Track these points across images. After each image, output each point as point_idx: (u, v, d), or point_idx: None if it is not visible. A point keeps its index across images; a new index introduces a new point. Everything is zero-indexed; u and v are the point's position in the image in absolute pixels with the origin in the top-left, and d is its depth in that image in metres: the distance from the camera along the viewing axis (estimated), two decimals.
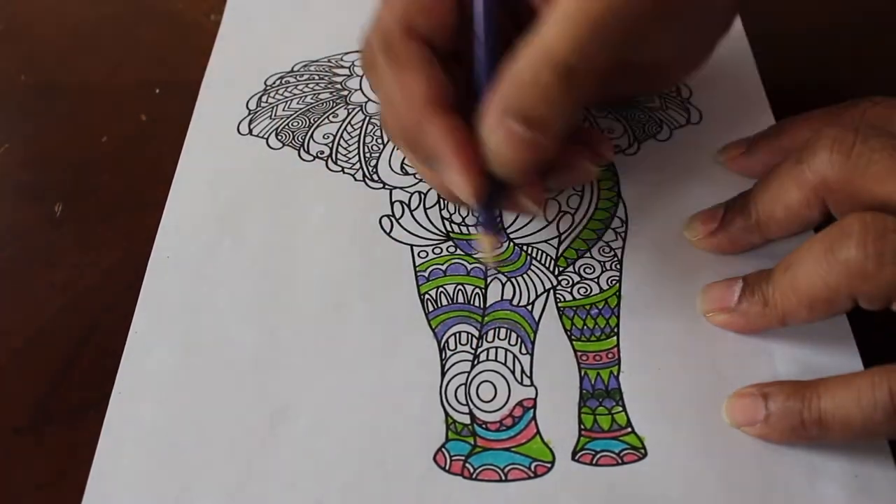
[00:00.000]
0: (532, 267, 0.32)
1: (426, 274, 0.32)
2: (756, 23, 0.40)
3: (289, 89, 0.39)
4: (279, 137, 0.37)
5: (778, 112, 0.36)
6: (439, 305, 0.31)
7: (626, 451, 0.27)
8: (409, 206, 0.34)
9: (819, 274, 0.25)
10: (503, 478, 0.27)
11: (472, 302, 0.31)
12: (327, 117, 0.38)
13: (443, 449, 0.28)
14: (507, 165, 0.27)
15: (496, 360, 0.30)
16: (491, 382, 0.29)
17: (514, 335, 0.30)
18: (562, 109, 0.26)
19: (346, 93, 0.39)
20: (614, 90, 0.34)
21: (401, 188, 0.35)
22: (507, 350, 0.30)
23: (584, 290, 0.31)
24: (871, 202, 0.26)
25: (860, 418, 0.24)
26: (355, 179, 0.36)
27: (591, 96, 0.27)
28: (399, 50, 0.28)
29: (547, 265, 0.32)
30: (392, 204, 0.35)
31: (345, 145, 0.37)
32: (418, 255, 0.33)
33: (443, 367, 0.30)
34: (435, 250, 0.33)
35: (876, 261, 0.24)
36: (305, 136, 0.37)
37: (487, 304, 0.31)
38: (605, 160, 0.31)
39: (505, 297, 0.31)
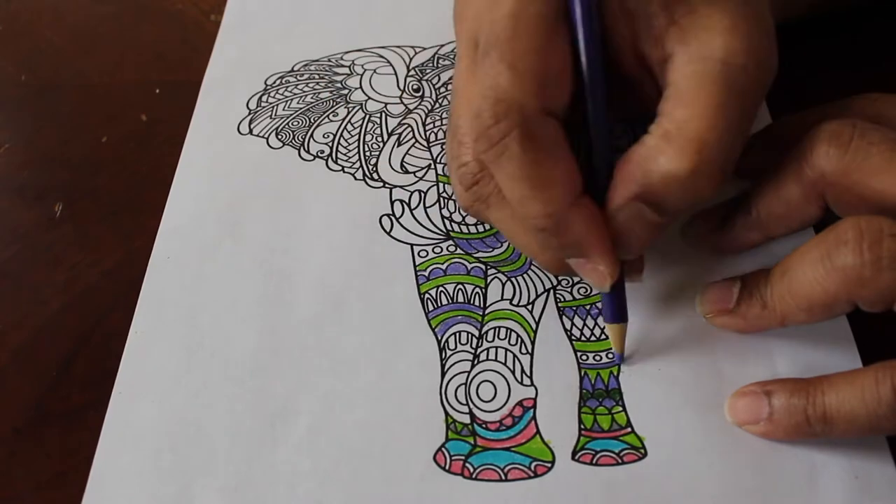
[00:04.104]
0: (532, 267, 0.32)
1: (426, 273, 0.32)
2: None
3: (289, 89, 0.39)
4: (279, 137, 0.37)
5: (775, 111, 0.36)
6: (439, 305, 0.31)
7: (625, 451, 0.27)
8: (409, 205, 0.34)
9: (817, 280, 0.25)
10: (503, 477, 0.27)
11: (472, 301, 0.31)
12: (327, 116, 0.38)
13: (443, 448, 0.28)
14: (633, 248, 0.28)
15: (496, 360, 0.30)
16: (491, 382, 0.29)
17: (514, 335, 0.30)
18: (700, 202, 0.27)
19: (346, 92, 0.39)
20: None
21: (401, 187, 0.35)
22: (507, 350, 0.30)
23: (584, 289, 0.31)
24: (868, 195, 0.26)
25: (865, 413, 0.24)
26: (355, 178, 0.36)
27: None
28: (540, 135, 0.25)
29: None
30: (392, 203, 0.35)
31: (345, 144, 0.37)
32: (418, 254, 0.33)
33: (443, 366, 0.30)
34: (435, 249, 0.33)
35: (873, 267, 0.24)
36: (305, 135, 0.37)
37: (487, 304, 0.31)
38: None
39: (505, 297, 0.31)
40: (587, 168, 0.27)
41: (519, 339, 0.30)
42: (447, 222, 0.34)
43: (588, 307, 0.31)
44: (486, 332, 0.31)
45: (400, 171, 0.36)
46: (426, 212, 0.34)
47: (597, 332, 0.30)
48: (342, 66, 0.40)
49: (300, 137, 0.37)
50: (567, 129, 0.27)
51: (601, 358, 0.30)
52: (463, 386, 0.29)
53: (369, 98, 0.38)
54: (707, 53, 0.26)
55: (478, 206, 0.29)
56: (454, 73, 0.28)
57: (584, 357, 0.30)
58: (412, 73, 0.39)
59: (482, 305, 0.31)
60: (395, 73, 0.39)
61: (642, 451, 0.27)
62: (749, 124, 0.27)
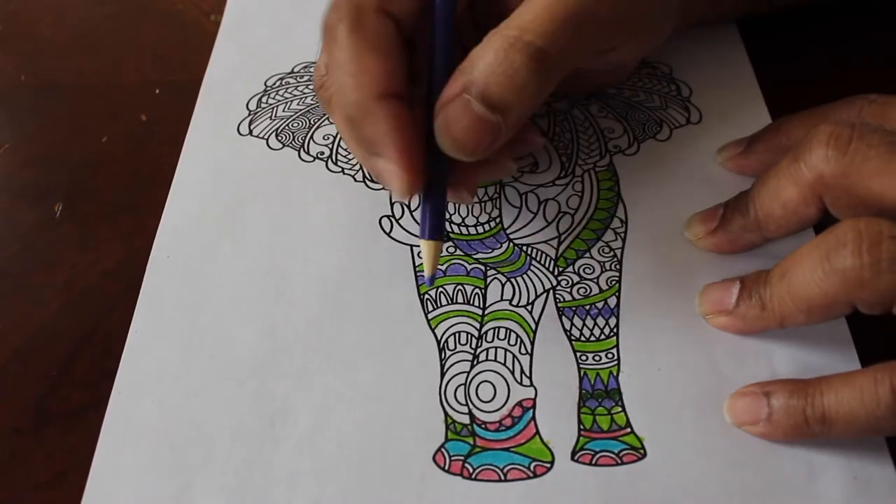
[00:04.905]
0: (532, 267, 0.32)
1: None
2: (751, 22, 0.40)
3: (289, 90, 0.39)
4: (279, 138, 0.37)
5: (775, 111, 0.36)
6: (439, 305, 0.31)
7: (625, 452, 0.27)
8: (408, 206, 0.34)
9: (815, 282, 0.25)
10: (502, 478, 0.27)
11: (471, 302, 0.31)
12: (327, 118, 0.38)
13: (442, 449, 0.28)
14: (462, 148, 0.27)
15: (496, 360, 0.30)
16: (490, 382, 0.29)
17: (513, 335, 0.30)
18: (528, 95, 0.27)
19: None
20: (572, 85, 0.35)
21: None
22: (506, 350, 0.30)
23: (584, 290, 0.31)
24: (867, 197, 0.26)
25: (864, 414, 0.24)
26: (355, 180, 0.36)
27: (553, 87, 0.28)
28: (369, 26, 0.27)
29: (547, 265, 0.32)
30: (392, 204, 0.35)
31: (345, 146, 0.37)
32: (418, 255, 0.33)
33: (442, 367, 0.30)
34: None
35: (872, 269, 0.24)
36: (305, 136, 0.37)
37: (487, 304, 0.31)
38: (533, 146, 0.33)
39: (504, 297, 0.31)
40: (429, 83, 0.28)
41: (518, 340, 0.30)
42: (446, 224, 0.34)
43: (588, 307, 0.31)
44: (486, 333, 0.31)
45: None
46: None
47: (596, 332, 0.30)
48: None
49: (300, 139, 0.37)
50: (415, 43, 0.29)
51: (600, 358, 0.30)
52: (462, 386, 0.29)
53: None
54: None
55: (325, 107, 0.30)
56: None
57: (583, 357, 0.30)
58: None
59: (482, 306, 0.31)
60: None
61: (642, 451, 0.27)
62: (586, 43, 0.28)
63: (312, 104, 0.39)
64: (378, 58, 0.27)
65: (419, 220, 0.30)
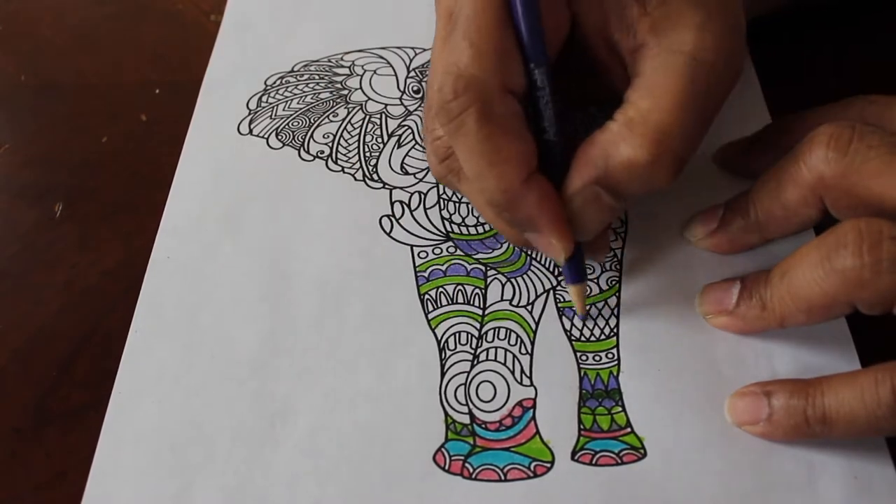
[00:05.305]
0: (532, 267, 0.32)
1: (426, 274, 0.32)
2: (751, 22, 0.40)
3: (289, 89, 0.39)
4: (279, 137, 0.37)
5: (775, 111, 0.36)
6: (439, 305, 0.31)
7: (625, 451, 0.27)
8: (409, 206, 0.34)
9: (816, 282, 0.25)
10: (502, 478, 0.27)
11: (471, 302, 0.31)
12: (327, 117, 0.38)
13: (442, 449, 0.28)
14: (589, 230, 0.28)
15: (496, 360, 0.30)
16: (490, 382, 0.29)
17: (513, 335, 0.30)
18: (655, 190, 0.27)
19: (346, 92, 0.39)
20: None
21: (401, 188, 0.35)
22: (506, 350, 0.30)
23: (584, 290, 0.31)
24: (867, 198, 0.26)
25: (864, 415, 0.25)
26: (355, 179, 0.36)
27: None
28: (499, 111, 0.26)
29: (547, 265, 0.32)
30: (392, 204, 0.35)
31: (345, 145, 0.37)
32: (418, 255, 0.33)
33: (442, 367, 0.30)
34: (435, 250, 0.33)
35: (873, 269, 0.24)
36: (305, 135, 0.37)
37: (487, 304, 0.31)
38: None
39: (505, 298, 0.31)
40: (540, 147, 0.27)
41: (518, 340, 0.30)
42: (447, 224, 0.34)
43: (588, 308, 0.31)
44: (486, 333, 0.31)
45: (400, 172, 0.36)
46: (426, 213, 0.34)
47: (596, 332, 0.30)
48: (342, 66, 0.40)
49: (300, 138, 0.37)
50: (526, 107, 0.27)
51: (601, 358, 0.30)
52: (463, 386, 0.29)
53: (369, 99, 0.39)
54: (677, 47, 0.26)
55: (450, 177, 0.30)
56: (432, 46, 0.29)
57: (583, 357, 0.30)
58: (412, 74, 0.39)
59: (482, 306, 0.31)
60: (396, 75, 0.39)
61: (642, 451, 0.27)
62: (711, 119, 0.28)
63: (312, 103, 0.39)
64: (514, 142, 0.26)
65: (563, 270, 0.30)
